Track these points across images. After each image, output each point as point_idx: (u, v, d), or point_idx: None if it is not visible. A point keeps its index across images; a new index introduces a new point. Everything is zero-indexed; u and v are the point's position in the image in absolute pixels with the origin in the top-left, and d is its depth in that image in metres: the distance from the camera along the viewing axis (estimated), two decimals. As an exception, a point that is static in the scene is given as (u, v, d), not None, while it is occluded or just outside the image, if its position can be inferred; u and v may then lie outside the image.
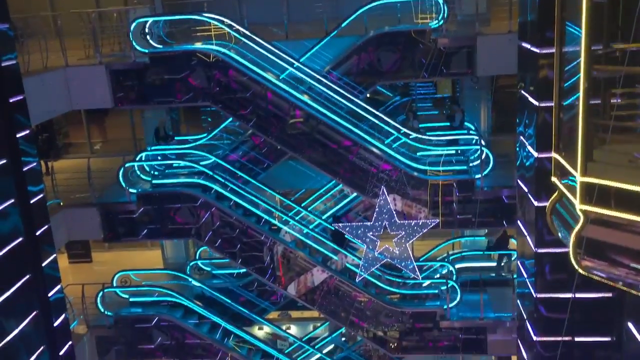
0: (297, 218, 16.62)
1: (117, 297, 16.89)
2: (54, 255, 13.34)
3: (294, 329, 20.17)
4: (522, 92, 12.20)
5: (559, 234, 7.86)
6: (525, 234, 12.61)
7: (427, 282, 16.73)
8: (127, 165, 15.90)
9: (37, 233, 12.61)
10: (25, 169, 12.28)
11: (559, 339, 11.32)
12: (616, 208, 6.39)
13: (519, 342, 13.95)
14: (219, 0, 17.83)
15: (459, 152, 16.22)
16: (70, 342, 13.77)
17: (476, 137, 15.83)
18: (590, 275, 6.95)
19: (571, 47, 7.36)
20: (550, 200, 7.99)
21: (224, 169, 16.36)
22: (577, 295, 11.04)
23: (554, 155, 7.61)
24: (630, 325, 10.55)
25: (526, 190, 12.30)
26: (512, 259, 16.80)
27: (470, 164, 15.64)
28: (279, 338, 18.75)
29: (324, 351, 17.98)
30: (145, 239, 17.34)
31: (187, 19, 16.11)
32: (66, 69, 15.15)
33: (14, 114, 12.00)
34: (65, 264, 20.28)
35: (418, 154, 15.93)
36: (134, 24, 14.85)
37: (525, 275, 12.89)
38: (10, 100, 11.91)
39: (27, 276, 12.16)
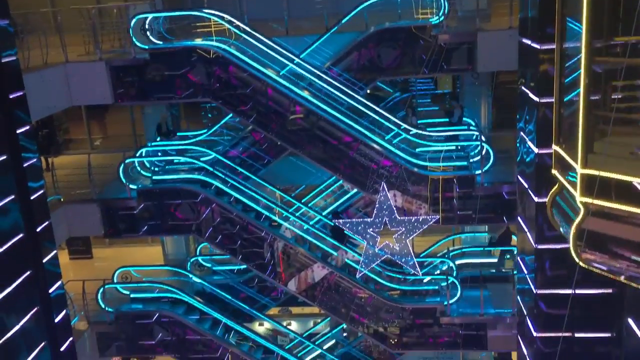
0: (297, 214, 16.63)
1: (118, 293, 16.92)
2: (55, 251, 13.36)
3: (294, 325, 20.21)
4: (523, 88, 12.18)
5: (560, 227, 7.86)
6: (526, 229, 12.61)
7: (427, 278, 16.74)
8: (127, 161, 15.91)
9: (38, 229, 12.62)
10: (25, 165, 12.28)
11: (559, 334, 11.33)
12: (617, 200, 6.39)
13: (519, 338, 13.97)
14: (219, -4, 17.82)
15: (459, 147, 16.22)
16: (71, 338, 13.80)
17: (476, 133, 15.81)
18: (591, 267, 6.95)
19: (572, 42, 7.36)
20: (550, 193, 7.99)
21: (224, 165, 16.37)
22: (577, 291, 11.05)
23: (554, 147, 7.61)
24: (630, 321, 10.55)
25: (526, 186, 12.30)
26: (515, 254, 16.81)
27: (471, 160, 15.63)
28: (279, 334, 18.78)
29: (325, 347, 18.03)
30: (146, 235, 17.35)
31: (187, 15, 16.11)
32: (66, 65, 15.14)
33: (14, 110, 12.00)
34: (66, 260, 20.30)
35: (418, 149, 15.92)
36: (134, 20, 14.84)
37: (526, 271, 12.90)
38: (10, 96, 11.91)
39: (28, 272, 12.18)
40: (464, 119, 17.78)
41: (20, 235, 12.02)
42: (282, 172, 17.78)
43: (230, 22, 15.11)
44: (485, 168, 15.06)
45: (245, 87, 15.19)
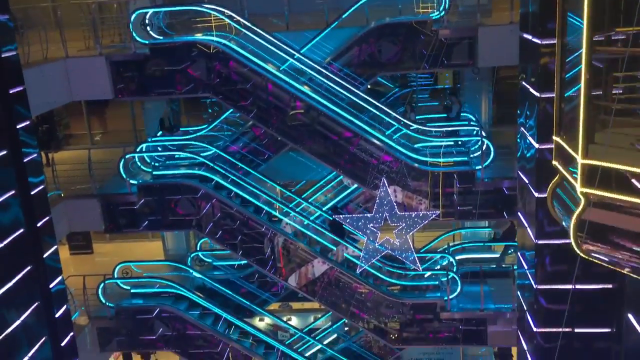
0: (297, 209, 16.63)
1: (118, 289, 16.94)
2: (55, 246, 13.36)
3: (294, 320, 20.24)
4: (523, 83, 12.18)
5: (560, 218, 7.86)
6: (526, 225, 12.62)
7: (427, 274, 16.76)
8: (127, 156, 15.90)
9: (38, 224, 12.62)
10: (25, 160, 12.27)
11: (559, 330, 11.35)
12: (617, 190, 6.39)
13: (519, 333, 14.00)
14: (219, -9, 17.77)
15: (460, 143, 16.21)
16: (71, 333, 13.81)
17: (477, 129, 15.80)
18: (591, 259, 6.96)
19: (572, 38, 7.34)
20: (551, 184, 7.99)
21: (225, 160, 16.36)
22: (577, 286, 11.07)
23: (555, 138, 7.60)
24: (630, 316, 10.57)
25: (527, 181, 12.30)
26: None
27: (471, 155, 15.63)
28: (279, 329, 18.80)
29: (326, 342, 18.06)
30: (146, 231, 17.36)
31: (188, 10, 16.06)
32: (66, 60, 15.12)
33: (14, 105, 11.98)
34: (67, 255, 20.33)
35: (418, 145, 15.90)
36: (134, 15, 14.81)
37: (526, 267, 12.91)
38: (11, 92, 11.89)
39: (29, 267, 12.19)
40: (465, 114, 17.78)
41: (21, 230, 12.03)
42: (282, 167, 17.78)
43: (230, 17, 15.08)
44: (486, 163, 15.05)
45: (246, 82, 15.17)
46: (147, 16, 15.04)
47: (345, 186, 17.14)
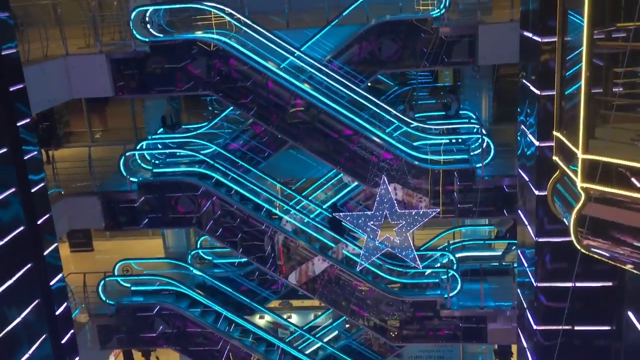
0: (298, 207, 16.64)
1: (119, 286, 16.96)
2: (56, 244, 13.37)
3: (294, 318, 20.26)
4: (524, 81, 12.16)
5: (560, 214, 7.86)
6: (526, 223, 12.62)
7: (428, 271, 16.77)
8: (127, 154, 15.91)
9: (39, 222, 12.63)
10: (26, 157, 12.28)
11: (559, 327, 11.35)
12: (618, 186, 6.40)
13: (519, 331, 14.00)
14: (219, -12, 17.76)
15: (459, 140, 16.21)
16: (72, 331, 13.83)
17: (477, 126, 15.80)
18: (592, 254, 6.96)
19: (573, 35, 7.34)
20: (551, 180, 7.99)
21: (225, 158, 16.37)
22: (578, 284, 11.07)
23: (555, 133, 7.60)
24: (630, 314, 10.57)
25: (527, 179, 12.29)
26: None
27: (472, 153, 15.63)
28: (280, 327, 18.83)
29: (327, 339, 18.08)
30: (147, 228, 17.35)
31: (188, 7, 16.04)
32: (66, 57, 15.11)
33: (14, 102, 11.98)
34: (67, 253, 20.35)
35: (418, 142, 15.90)
36: (134, 13, 14.80)
37: (526, 265, 12.92)
38: (11, 89, 11.89)
39: (29, 265, 12.20)
40: (466, 112, 17.78)
41: (21, 228, 12.03)
42: (282, 165, 17.78)
43: (230, 15, 15.07)
44: (486, 161, 15.05)
45: (246, 80, 15.17)
46: (148, 14, 15.03)
47: (345, 184, 17.14)
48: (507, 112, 17.07)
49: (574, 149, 6.82)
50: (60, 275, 13.42)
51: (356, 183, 16.46)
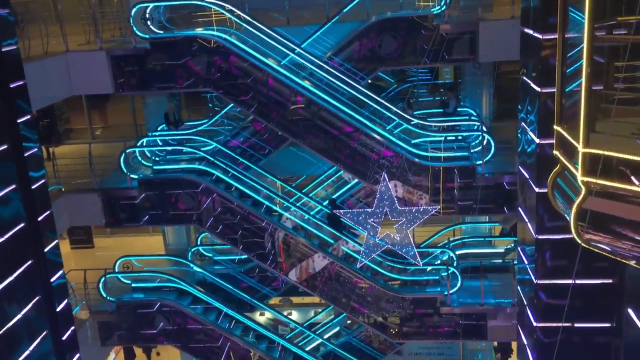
0: (298, 204, 16.64)
1: (119, 283, 16.98)
2: (56, 240, 13.38)
3: (295, 315, 20.27)
4: (524, 78, 12.15)
5: (560, 208, 7.86)
6: (526, 220, 12.62)
7: (428, 268, 16.77)
8: (128, 150, 15.91)
9: (39, 219, 12.64)
10: (26, 154, 12.28)
11: (559, 324, 11.36)
12: (618, 179, 6.39)
13: (519, 328, 14.01)
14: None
15: (460, 138, 16.19)
16: (72, 327, 13.84)
17: (478, 123, 15.79)
18: (593, 248, 6.95)
19: (574, 33, 7.33)
20: (552, 174, 7.98)
21: (225, 155, 16.36)
22: (577, 281, 11.08)
23: (556, 128, 7.60)
24: (630, 311, 10.58)
25: (527, 176, 12.29)
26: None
27: (472, 150, 15.62)
28: (280, 323, 18.84)
29: (327, 336, 18.09)
30: (147, 225, 17.37)
31: (188, 4, 16.02)
32: (67, 54, 15.11)
33: (14, 99, 11.98)
34: (67, 250, 20.36)
35: (418, 140, 15.88)
36: (134, 10, 14.79)
37: (526, 262, 12.92)
38: (11, 86, 11.89)
39: (30, 262, 12.21)
40: (466, 109, 17.75)
41: (22, 224, 12.04)
42: (282, 162, 17.78)
43: (231, 12, 15.06)
44: (487, 158, 15.05)
45: (246, 77, 15.16)
46: (148, 10, 15.01)
47: (345, 181, 17.14)
48: (508, 109, 17.07)
49: (574, 142, 6.81)
50: (60, 272, 13.44)
51: (356, 180, 16.46)
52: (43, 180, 12.94)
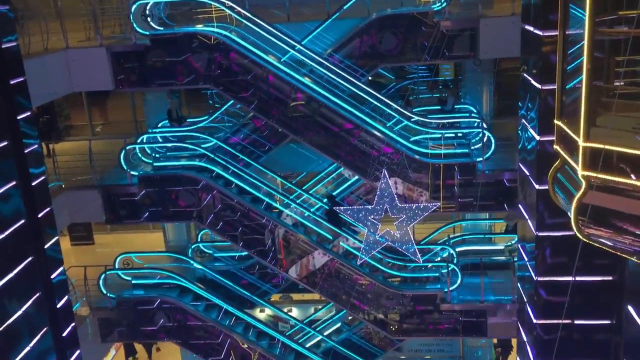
0: (298, 201, 16.64)
1: (120, 279, 16.98)
2: (56, 237, 13.38)
3: (295, 311, 20.29)
4: (525, 75, 12.14)
5: (561, 203, 7.85)
6: (526, 217, 12.62)
7: (429, 265, 16.78)
8: (128, 147, 15.90)
9: (39, 215, 12.64)
10: (26, 151, 12.27)
11: (559, 321, 11.37)
12: (619, 174, 6.38)
13: (519, 324, 14.03)
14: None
15: (461, 135, 16.18)
16: (73, 324, 13.86)
17: (478, 120, 15.78)
18: (594, 243, 6.94)
19: (574, 29, 7.33)
20: (552, 169, 7.98)
21: (225, 152, 16.35)
22: (578, 278, 11.08)
23: (556, 122, 7.60)
24: (630, 308, 10.58)
25: (527, 173, 12.29)
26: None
27: (472, 147, 15.62)
28: (280, 320, 18.86)
29: (327, 332, 18.11)
30: (147, 222, 17.39)
31: (188, 0, 16.01)
32: (67, 51, 15.09)
33: (14, 95, 11.97)
34: (68, 246, 20.37)
35: (418, 137, 15.88)
36: (134, 6, 14.76)
37: (526, 259, 12.93)
38: (11, 82, 11.88)
39: (30, 258, 12.22)
40: (466, 106, 17.74)
41: (22, 221, 12.04)
42: (283, 159, 17.77)
43: (231, 8, 15.03)
44: (487, 155, 15.04)
45: (247, 74, 15.14)
46: (148, 7, 14.99)
47: (345, 178, 17.14)
48: (508, 106, 17.06)
49: (575, 137, 6.80)
50: (61, 269, 13.45)
51: (356, 177, 16.45)
52: (43, 177, 12.94)
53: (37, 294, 12.42)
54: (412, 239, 13.94)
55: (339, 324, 18.44)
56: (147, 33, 14.95)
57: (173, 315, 16.70)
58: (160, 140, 17.14)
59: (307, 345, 17.55)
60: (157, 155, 16.60)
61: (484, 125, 15.13)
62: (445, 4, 14.76)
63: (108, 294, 16.50)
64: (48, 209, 13.05)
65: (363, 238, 14.15)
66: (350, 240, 16.16)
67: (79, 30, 16.14)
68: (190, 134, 17.07)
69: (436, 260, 17.23)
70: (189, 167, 15.96)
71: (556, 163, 7.92)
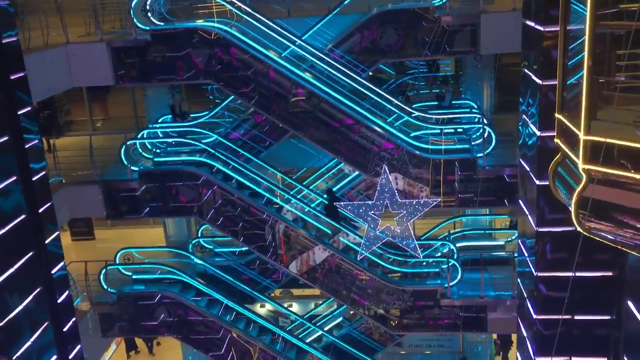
0: (299, 196, 16.65)
1: (120, 275, 17.01)
2: (57, 232, 13.38)
3: (295, 307, 20.32)
4: (526, 70, 12.12)
5: (561, 197, 7.84)
6: (527, 212, 12.62)
7: (430, 260, 16.79)
8: (129, 142, 15.90)
9: (40, 210, 12.64)
10: (27, 146, 12.26)
11: (559, 317, 11.38)
12: (619, 167, 6.38)
13: (519, 320, 14.04)
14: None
15: (460, 130, 16.17)
16: (73, 319, 13.87)
17: (479, 116, 15.77)
18: (594, 237, 6.94)
19: (575, 25, 7.32)
20: (552, 162, 7.97)
21: (226, 147, 16.35)
22: (578, 274, 11.09)
23: (557, 116, 7.59)
24: (630, 303, 10.59)
25: (528, 169, 12.28)
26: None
27: (473, 143, 15.61)
28: (280, 315, 18.89)
29: (328, 327, 18.13)
30: (148, 217, 17.38)
31: (189, -5, 16.02)
32: (67, 46, 15.08)
33: (15, 91, 11.96)
34: (68, 242, 20.40)
35: (418, 132, 15.87)
36: (135, 1, 14.75)
37: (526, 254, 12.93)
38: (11, 77, 11.86)
39: (31, 253, 12.22)
40: (467, 101, 17.72)
41: (23, 216, 12.05)
42: (283, 154, 17.78)
43: (231, 3, 15.02)
44: (487, 151, 15.04)
45: (247, 69, 15.13)
46: (148, 2, 14.97)
47: (346, 173, 17.14)
48: (509, 101, 17.05)
49: (575, 130, 6.80)
50: (61, 264, 13.46)
51: (357, 172, 16.45)
52: (44, 172, 12.93)
53: (38, 289, 12.43)
54: (413, 234, 13.94)
55: (339, 319, 18.48)
56: (148, 28, 14.94)
57: (174, 310, 16.72)
58: (161, 135, 17.13)
59: (308, 340, 17.57)
60: (158, 151, 16.60)
61: (485, 121, 15.12)
62: (446, -1, 14.75)
63: (109, 289, 16.52)
64: (49, 204, 13.05)
65: (363, 233, 14.15)
66: (350, 235, 16.17)
67: (79, 25, 16.13)
68: (191, 129, 17.07)
69: (436, 255, 17.25)
70: (190, 162, 15.96)
71: (557, 157, 7.92)
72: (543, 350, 12.33)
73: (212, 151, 15.94)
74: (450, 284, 15.95)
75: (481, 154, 14.94)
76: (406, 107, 15.65)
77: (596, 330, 11.95)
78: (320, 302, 19.52)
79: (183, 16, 16.17)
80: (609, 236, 6.77)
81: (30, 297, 12.13)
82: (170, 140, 16.98)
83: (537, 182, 11.55)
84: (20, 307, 11.74)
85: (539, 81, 11.09)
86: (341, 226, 16.13)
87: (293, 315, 18.44)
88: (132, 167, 15.85)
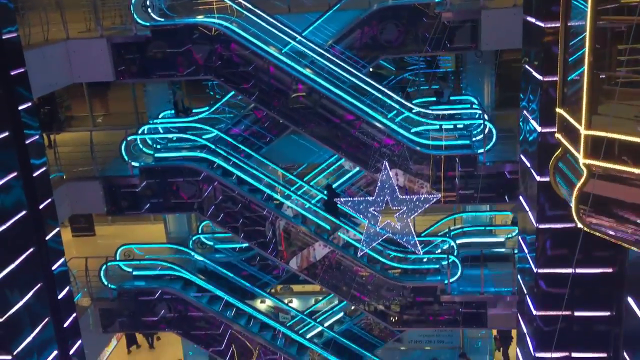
0: (299, 192, 16.65)
1: (121, 271, 17.02)
2: (58, 228, 13.41)
3: (295, 303, 20.35)
4: (527, 66, 12.11)
5: (562, 192, 7.84)
6: (527, 209, 12.62)
7: (430, 257, 16.80)
8: (129, 138, 15.89)
9: (40, 206, 12.66)
10: (27, 142, 12.29)
11: (559, 313, 11.39)
12: (620, 162, 6.37)
13: (519, 316, 14.06)
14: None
15: (461, 126, 16.15)
16: (74, 314, 13.91)
17: (479, 112, 15.76)
18: (595, 232, 6.94)
19: (576, 21, 7.31)
20: (553, 158, 7.96)
21: (227, 143, 16.35)
22: (578, 270, 11.09)
23: (558, 110, 7.58)
24: (630, 300, 10.61)
25: (529, 165, 12.28)
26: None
27: (473, 139, 15.60)
28: (281, 311, 18.91)
29: (328, 323, 18.16)
30: (148, 213, 17.41)
31: (189, -9, 15.99)
32: (67, 41, 15.07)
33: (15, 86, 11.97)
34: (69, 237, 20.42)
35: (419, 128, 15.85)
36: (135, -4, 14.74)
37: (526, 251, 12.94)
38: (12, 73, 11.87)
39: (31, 249, 12.25)
40: (467, 97, 17.70)
41: (23, 212, 12.06)
42: (284, 150, 17.77)
43: (232, -1, 15.01)
44: (488, 147, 15.03)
45: (248, 65, 15.12)
46: (149, -2, 14.97)
47: (346, 169, 17.14)
48: (510, 97, 17.02)
49: (576, 125, 6.79)
50: (62, 260, 13.48)
51: (357, 169, 16.44)
52: (44, 168, 12.95)
53: (39, 285, 12.46)
54: (413, 230, 13.95)
55: (340, 315, 18.51)
56: (148, 24, 14.92)
57: (174, 306, 16.74)
58: (161, 131, 17.13)
59: (308, 336, 17.60)
60: (158, 147, 16.60)
61: (485, 117, 15.11)
62: (446, -5, 14.72)
63: (109, 285, 16.54)
64: (49, 200, 13.07)
65: (363, 230, 14.15)
66: (350, 232, 16.17)
67: (80, 21, 16.11)
68: (191, 125, 17.06)
69: (436, 252, 17.26)
70: (190, 158, 15.95)
71: (557, 152, 7.91)
72: (543, 346, 12.35)
73: (213, 147, 15.93)
74: (451, 280, 15.96)
75: (482, 150, 14.93)
76: (407, 103, 15.63)
77: (596, 327, 11.96)
78: (321, 298, 19.55)
79: (183, 12, 16.14)
80: (610, 231, 6.76)
81: (31, 293, 12.16)
82: (170, 136, 16.98)
83: (538, 178, 11.54)
84: (21, 303, 11.78)
85: (539, 77, 11.07)
86: (341, 222, 16.13)
87: (293, 311, 18.47)
88: (133, 163, 15.85)
